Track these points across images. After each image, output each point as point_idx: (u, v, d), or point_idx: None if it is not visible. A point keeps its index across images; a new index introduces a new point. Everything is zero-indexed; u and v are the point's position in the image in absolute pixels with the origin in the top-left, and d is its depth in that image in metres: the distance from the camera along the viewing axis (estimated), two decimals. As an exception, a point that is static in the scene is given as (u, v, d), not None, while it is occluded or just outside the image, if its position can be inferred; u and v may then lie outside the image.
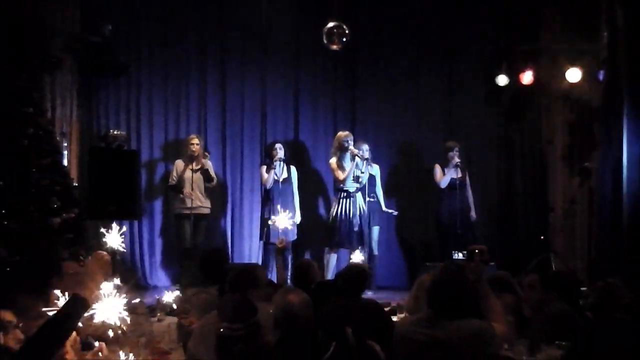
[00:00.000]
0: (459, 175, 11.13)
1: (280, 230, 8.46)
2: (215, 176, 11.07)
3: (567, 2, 11.50)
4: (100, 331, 5.19)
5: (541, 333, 5.35)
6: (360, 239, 10.76)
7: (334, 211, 10.93)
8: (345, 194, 10.85)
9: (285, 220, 8.41)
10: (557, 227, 11.73)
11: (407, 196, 11.93)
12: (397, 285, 10.01)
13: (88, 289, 3.58)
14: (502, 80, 11.44)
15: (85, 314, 3.71)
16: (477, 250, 9.96)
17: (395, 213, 11.39)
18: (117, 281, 5.96)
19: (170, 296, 8.65)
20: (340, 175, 10.81)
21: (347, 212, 10.80)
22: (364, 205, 10.85)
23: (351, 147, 10.74)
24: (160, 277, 11.54)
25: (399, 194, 11.94)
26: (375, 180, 11.16)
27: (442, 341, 4.05)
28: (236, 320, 4.15)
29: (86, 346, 4.72)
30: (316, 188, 11.89)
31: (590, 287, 6.38)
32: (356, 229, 10.78)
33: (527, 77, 11.28)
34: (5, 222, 8.48)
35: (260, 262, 10.94)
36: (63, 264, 6.94)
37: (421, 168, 11.72)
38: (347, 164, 10.81)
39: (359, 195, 10.85)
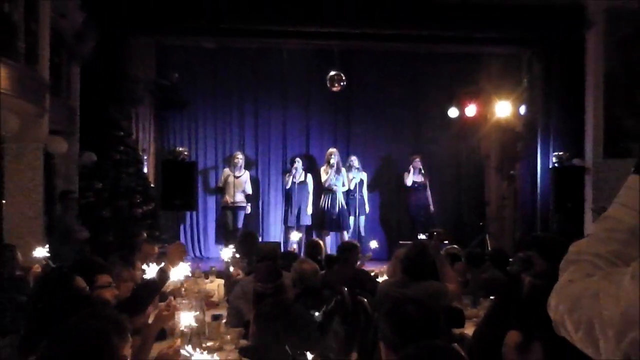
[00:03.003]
0: (422, 179, 11.18)
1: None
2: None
3: (499, 57, 11.53)
4: (170, 288, 5.21)
5: (480, 291, 5.37)
6: (338, 225, 10.84)
7: (320, 204, 11.03)
8: (327, 192, 10.94)
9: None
10: (491, 216, 11.76)
11: (387, 194, 11.92)
12: (379, 257, 9.98)
13: (169, 267, 3.60)
14: (453, 112, 11.42)
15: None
16: (435, 233, 9.99)
17: (368, 211, 11.39)
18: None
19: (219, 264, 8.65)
20: (322, 178, 10.95)
21: (328, 205, 10.87)
22: (343, 201, 10.91)
23: (331, 159, 10.85)
24: (211, 250, 11.54)
25: (382, 192, 11.94)
26: (363, 183, 11.18)
27: (412, 297, 4.06)
28: (268, 281, 4.17)
29: (161, 298, 4.72)
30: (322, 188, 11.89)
31: (515, 258, 6.38)
32: (334, 217, 10.85)
33: (470, 110, 11.27)
34: (103, 212, 8.54)
35: (282, 241, 10.94)
36: (143, 244, 6.93)
37: (396, 174, 11.70)
38: (328, 170, 10.90)
39: (339, 193, 10.91)
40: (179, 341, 3.18)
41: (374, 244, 8.83)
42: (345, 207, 10.94)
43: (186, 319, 3.44)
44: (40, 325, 2.81)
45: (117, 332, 2.24)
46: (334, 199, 10.86)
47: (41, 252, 5.91)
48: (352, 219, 11.06)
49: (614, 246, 1.06)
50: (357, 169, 11.07)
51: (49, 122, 7.76)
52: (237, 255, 6.77)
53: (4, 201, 6.62)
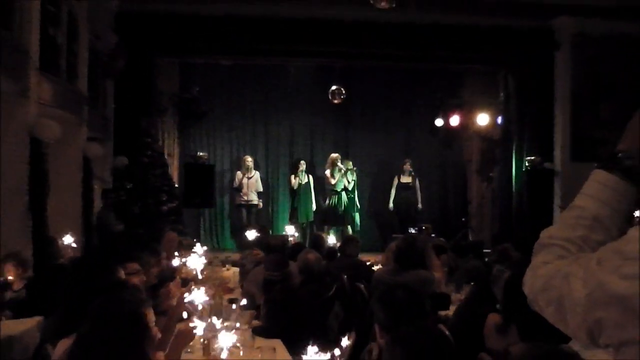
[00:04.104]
0: (411, 180, 11.19)
1: None
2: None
3: (479, 74, 11.54)
4: (191, 275, 5.22)
5: (462, 278, 5.37)
6: (342, 220, 10.86)
7: (326, 203, 11.03)
8: (333, 192, 10.92)
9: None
10: (473, 213, 11.75)
11: (381, 193, 11.88)
12: (375, 249, 10.00)
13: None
14: (439, 122, 11.42)
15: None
16: (424, 227, 9.99)
17: (359, 207, 11.34)
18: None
19: (234, 254, 8.66)
20: (332, 181, 10.89)
21: (334, 203, 10.88)
22: (346, 200, 10.91)
23: (338, 163, 10.83)
24: (228, 243, 11.55)
25: (376, 192, 11.92)
26: (355, 184, 11.19)
27: (402, 284, 4.07)
28: (276, 270, 4.18)
29: (183, 284, 4.73)
30: (324, 188, 11.89)
31: (493, 250, 6.38)
32: (339, 214, 10.87)
33: (454, 120, 11.27)
34: (134, 209, 8.55)
35: (288, 234, 10.92)
36: (166, 233, 6.93)
37: (389, 176, 11.69)
38: (336, 174, 10.87)
39: (342, 193, 10.90)
40: (194, 319, 3.18)
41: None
42: (347, 205, 10.96)
43: (199, 299, 3.44)
44: (78, 307, 2.82)
45: (148, 312, 2.26)
46: (339, 199, 10.87)
47: (69, 239, 5.97)
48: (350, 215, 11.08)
49: (580, 232, 1.07)
50: (355, 170, 11.07)
51: (87, 130, 7.80)
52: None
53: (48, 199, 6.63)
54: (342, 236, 9.74)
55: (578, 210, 1.09)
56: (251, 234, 7.12)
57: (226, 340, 2.82)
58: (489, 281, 3.74)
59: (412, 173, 11.22)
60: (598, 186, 1.08)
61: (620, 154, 1.07)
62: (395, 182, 11.22)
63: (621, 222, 1.07)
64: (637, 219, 1.16)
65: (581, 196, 1.10)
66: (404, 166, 11.23)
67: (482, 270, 5.39)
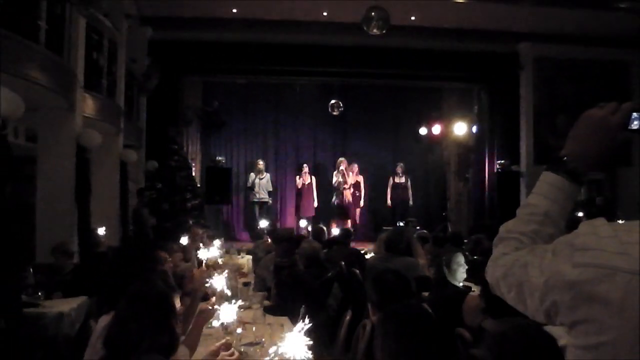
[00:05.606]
0: (403, 180, 11.17)
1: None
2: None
3: (456, 90, 11.54)
4: (212, 261, 5.23)
5: (442, 264, 5.35)
6: (346, 216, 10.81)
7: (334, 201, 11.02)
8: (339, 191, 10.89)
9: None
10: (451, 208, 11.73)
11: (375, 192, 11.82)
12: (368, 239, 9.99)
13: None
14: (423, 131, 11.42)
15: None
16: (410, 220, 9.91)
17: (362, 205, 11.30)
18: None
19: (248, 244, 8.64)
20: (334, 180, 10.91)
21: (341, 201, 10.86)
22: (350, 197, 10.88)
23: (340, 167, 10.83)
24: (242, 234, 11.54)
25: (372, 190, 11.89)
26: (360, 184, 11.16)
27: (391, 269, 4.06)
28: (284, 257, 4.17)
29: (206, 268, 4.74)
30: (326, 188, 11.87)
31: (469, 240, 6.38)
32: (343, 209, 10.84)
33: (436, 129, 11.28)
34: (163, 205, 8.56)
35: (295, 228, 10.92)
36: (192, 228, 6.95)
37: (381, 177, 11.67)
38: (340, 176, 10.86)
39: (347, 192, 10.88)
40: (213, 299, 3.18)
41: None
42: (351, 202, 10.95)
43: (218, 283, 3.42)
44: (117, 288, 2.82)
45: (174, 294, 2.26)
46: (343, 196, 10.87)
47: (108, 232, 5.98)
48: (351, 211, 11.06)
49: (533, 226, 1.06)
50: (357, 172, 11.12)
51: (123, 139, 7.82)
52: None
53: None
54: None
55: (531, 207, 1.09)
56: (263, 223, 7.13)
57: (227, 313, 2.75)
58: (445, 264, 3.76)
59: (404, 174, 11.21)
60: (547, 186, 1.08)
61: (565, 158, 1.07)
62: (390, 182, 11.21)
63: (567, 216, 1.08)
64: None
65: (533, 195, 1.10)
66: (397, 168, 11.22)
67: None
